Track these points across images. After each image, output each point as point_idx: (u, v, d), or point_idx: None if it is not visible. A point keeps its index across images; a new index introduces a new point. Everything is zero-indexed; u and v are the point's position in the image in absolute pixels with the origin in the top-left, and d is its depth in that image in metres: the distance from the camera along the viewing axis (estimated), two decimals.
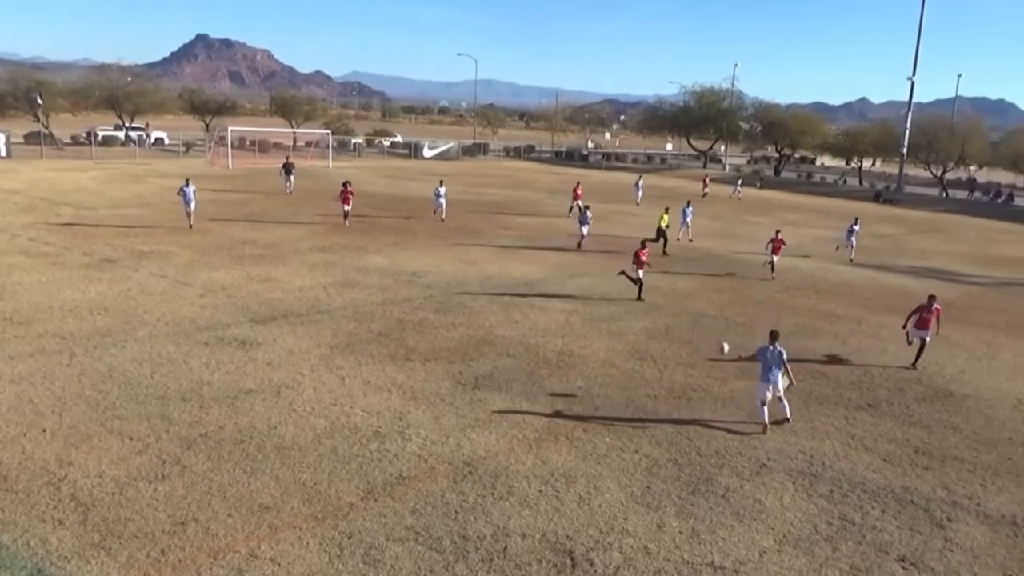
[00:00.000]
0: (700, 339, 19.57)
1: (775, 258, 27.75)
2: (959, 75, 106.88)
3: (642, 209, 46.41)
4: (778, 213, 50.72)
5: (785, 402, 14.00)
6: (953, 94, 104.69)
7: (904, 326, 18.76)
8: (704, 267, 29.42)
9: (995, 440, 14.44)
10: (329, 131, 72.36)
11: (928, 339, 18.20)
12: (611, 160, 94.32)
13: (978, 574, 10.04)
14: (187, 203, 30.38)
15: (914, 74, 71.19)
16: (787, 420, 14.19)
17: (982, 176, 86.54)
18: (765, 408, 13.86)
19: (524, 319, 20.35)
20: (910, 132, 72.08)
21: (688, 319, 21.47)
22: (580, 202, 40.61)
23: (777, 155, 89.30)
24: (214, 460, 11.61)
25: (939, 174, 76.05)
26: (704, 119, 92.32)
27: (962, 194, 75.04)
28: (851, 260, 32.62)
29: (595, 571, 9.51)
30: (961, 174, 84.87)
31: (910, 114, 71.85)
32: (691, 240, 34.83)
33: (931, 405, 16.07)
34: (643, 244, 23.54)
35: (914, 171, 79.95)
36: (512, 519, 10.53)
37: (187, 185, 30.53)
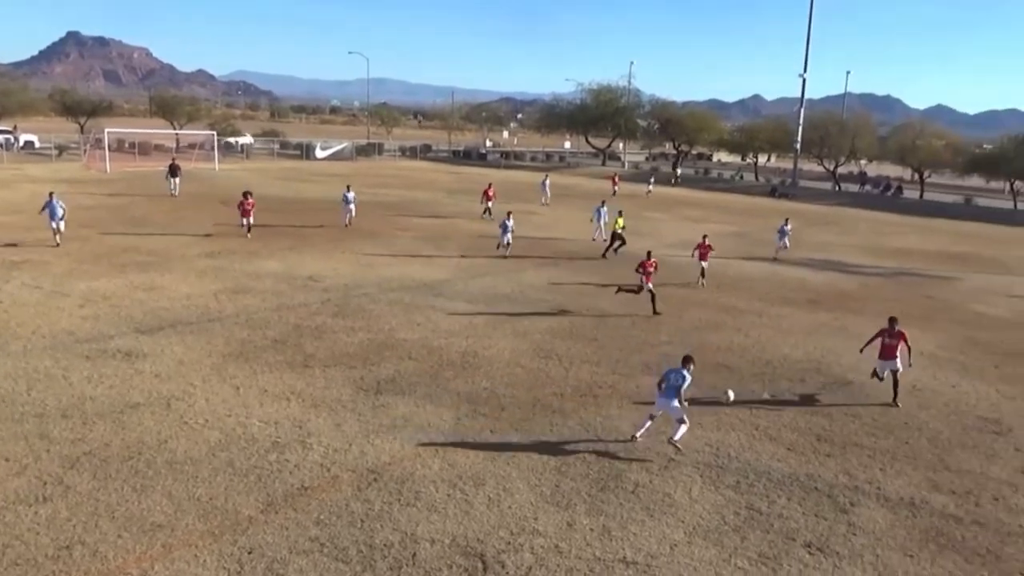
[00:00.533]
0: (605, 337, 19.59)
1: (704, 264, 26.73)
2: (848, 72, 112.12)
3: (547, 209, 46.50)
4: (679, 210, 51.58)
5: (682, 428, 12.95)
6: (843, 90, 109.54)
7: (861, 350, 16.79)
8: (609, 265, 29.60)
9: (892, 425, 14.86)
10: (214, 132, 70.04)
11: (900, 369, 15.93)
12: (510, 159, 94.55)
13: (880, 555, 10.25)
14: (53, 218, 26.85)
15: (805, 71, 73.48)
16: (675, 445, 12.90)
17: (872, 170, 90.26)
18: (650, 423, 13.23)
19: (426, 321, 19.99)
20: (803, 128, 74.51)
21: (592, 317, 21.48)
22: (492, 203, 40.56)
23: (675, 152, 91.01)
24: (100, 479, 10.92)
25: (831, 168, 79.02)
26: (602, 117, 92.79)
27: (854, 188, 78.24)
28: (775, 258, 33.10)
29: (507, 573, 9.32)
30: (852, 168, 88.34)
31: (802, 110, 74.24)
32: (606, 240, 34.87)
33: (831, 393, 16.45)
34: (649, 254, 22.90)
35: (808, 166, 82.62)
36: (420, 525, 10.23)
37: (51, 198, 27.28)
